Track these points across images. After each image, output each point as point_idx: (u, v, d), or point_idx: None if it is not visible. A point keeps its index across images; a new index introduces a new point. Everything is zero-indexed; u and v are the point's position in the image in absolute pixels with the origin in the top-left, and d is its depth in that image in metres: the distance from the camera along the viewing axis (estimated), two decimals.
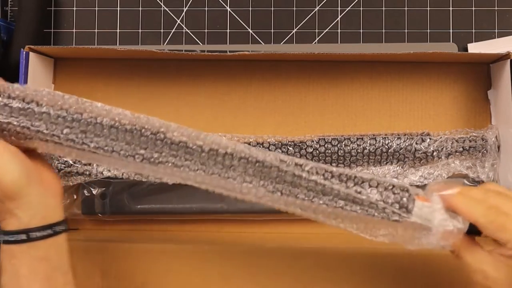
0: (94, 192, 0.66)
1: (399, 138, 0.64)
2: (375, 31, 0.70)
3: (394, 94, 0.67)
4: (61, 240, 0.47)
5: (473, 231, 0.47)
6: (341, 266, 0.60)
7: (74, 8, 0.72)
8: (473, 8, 0.70)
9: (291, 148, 0.65)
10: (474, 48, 0.69)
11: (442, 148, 0.64)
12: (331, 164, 0.65)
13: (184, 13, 0.71)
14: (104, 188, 0.66)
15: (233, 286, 0.60)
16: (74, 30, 0.71)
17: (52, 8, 0.71)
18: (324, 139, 0.65)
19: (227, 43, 0.71)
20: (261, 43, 0.71)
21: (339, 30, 0.70)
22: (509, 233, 0.45)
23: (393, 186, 0.47)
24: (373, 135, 0.65)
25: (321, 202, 0.47)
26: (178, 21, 0.71)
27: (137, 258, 0.61)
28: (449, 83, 0.67)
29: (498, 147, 0.64)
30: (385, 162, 0.65)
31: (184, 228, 0.68)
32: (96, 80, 0.68)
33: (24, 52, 0.62)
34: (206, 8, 0.71)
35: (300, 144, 0.65)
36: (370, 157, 0.64)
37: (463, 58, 0.67)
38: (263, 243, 0.63)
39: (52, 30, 0.71)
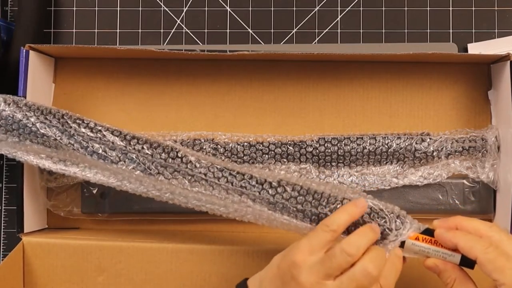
0: (94, 191, 0.66)
1: (399, 137, 0.64)
2: (375, 31, 0.70)
3: (394, 94, 0.67)
4: None
5: (465, 263, 0.48)
6: None
7: (74, 8, 0.72)
8: (473, 8, 0.70)
9: (290, 148, 0.65)
10: (474, 48, 0.69)
11: (442, 148, 0.64)
12: (330, 164, 0.65)
13: (184, 13, 0.71)
14: (103, 188, 0.66)
15: (233, 286, 0.60)
16: (74, 30, 0.71)
17: (52, 8, 0.72)
18: (324, 138, 0.65)
19: (227, 43, 0.71)
20: (261, 43, 0.71)
21: (339, 30, 0.70)
22: (505, 276, 0.44)
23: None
24: (373, 134, 0.65)
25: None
26: (178, 21, 0.71)
27: (137, 258, 0.61)
28: (449, 83, 0.67)
29: (498, 147, 0.64)
30: (385, 162, 0.65)
31: (184, 228, 0.68)
32: (96, 79, 0.68)
33: (24, 51, 0.62)
34: (206, 8, 0.71)
35: (300, 144, 0.65)
36: (370, 157, 0.64)
37: (463, 59, 0.67)
38: (263, 243, 0.63)
39: (52, 30, 0.71)
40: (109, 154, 0.56)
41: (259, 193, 0.53)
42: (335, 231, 0.47)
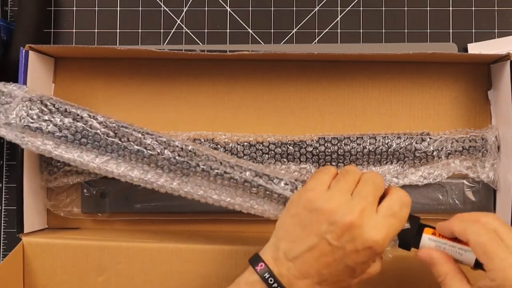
0: (94, 191, 0.66)
1: (399, 137, 0.64)
2: (375, 31, 0.70)
3: (394, 94, 0.67)
4: None
5: (480, 263, 0.47)
6: None
7: (74, 8, 0.72)
8: (473, 8, 0.70)
9: (291, 147, 0.65)
10: (474, 48, 0.69)
11: (442, 148, 0.64)
12: (331, 163, 0.65)
13: (184, 13, 0.71)
14: (104, 187, 0.66)
15: None
16: (74, 30, 0.71)
17: (52, 8, 0.72)
18: (324, 138, 0.65)
19: (227, 43, 0.71)
20: (261, 43, 0.71)
21: (339, 30, 0.70)
22: (493, 263, 0.44)
23: None
24: (373, 134, 0.65)
25: None
26: (178, 21, 0.71)
27: (137, 258, 0.61)
28: (449, 83, 0.67)
29: (498, 147, 0.64)
30: (385, 162, 0.65)
31: (184, 228, 0.68)
32: (96, 79, 0.68)
33: (24, 51, 0.62)
34: (206, 8, 0.71)
35: (300, 143, 0.65)
36: (370, 157, 0.64)
37: (463, 59, 0.67)
38: (263, 243, 0.63)
39: (52, 30, 0.71)
40: (118, 134, 0.56)
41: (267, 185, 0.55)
42: (334, 173, 0.51)
